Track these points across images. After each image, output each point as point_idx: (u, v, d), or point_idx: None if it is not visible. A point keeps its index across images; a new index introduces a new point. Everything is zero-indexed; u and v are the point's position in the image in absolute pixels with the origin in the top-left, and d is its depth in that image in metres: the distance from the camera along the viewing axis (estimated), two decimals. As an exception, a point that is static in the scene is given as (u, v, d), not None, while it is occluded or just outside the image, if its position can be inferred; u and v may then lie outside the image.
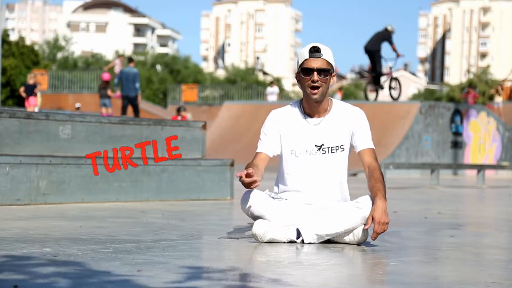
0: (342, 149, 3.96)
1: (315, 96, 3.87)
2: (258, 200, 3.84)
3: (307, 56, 3.87)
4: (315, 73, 3.84)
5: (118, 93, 21.64)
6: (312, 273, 3.02)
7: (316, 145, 3.93)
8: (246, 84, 49.19)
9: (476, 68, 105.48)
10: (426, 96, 76.91)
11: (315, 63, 3.85)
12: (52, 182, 6.13)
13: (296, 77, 3.96)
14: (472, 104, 25.38)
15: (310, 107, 3.94)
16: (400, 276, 3.00)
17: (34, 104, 22.30)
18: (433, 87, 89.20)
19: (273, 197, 3.97)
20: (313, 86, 3.86)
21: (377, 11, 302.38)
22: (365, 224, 3.83)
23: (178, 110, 23.33)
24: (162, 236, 4.10)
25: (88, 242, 3.69)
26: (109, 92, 22.47)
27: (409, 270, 3.19)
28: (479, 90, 55.15)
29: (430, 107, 19.68)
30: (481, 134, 21.04)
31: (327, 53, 3.88)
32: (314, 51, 3.86)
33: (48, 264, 2.96)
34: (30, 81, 22.77)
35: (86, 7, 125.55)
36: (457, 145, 20.20)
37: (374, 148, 4.00)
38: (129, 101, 19.93)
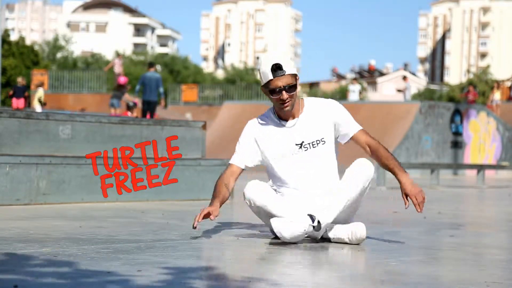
0: (324, 142, 3.98)
1: (287, 109, 3.92)
2: (260, 191, 3.91)
3: (271, 77, 3.86)
4: (284, 92, 3.86)
5: (137, 99, 21.62)
6: (312, 273, 3.03)
7: (296, 144, 3.96)
8: (246, 84, 49.18)
9: (476, 68, 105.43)
10: (426, 96, 76.92)
11: (281, 82, 3.86)
12: (52, 182, 6.13)
13: (262, 91, 3.98)
14: (472, 103, 25.39)
15: (283, 113, 3.98)
16: (400, 276, 2.99)
17: (22, 106, 22.40)
18: (433, 87, 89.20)
19: (275, 189, 4.03)
20: (283, 103, 3.89)
21: (377, 11, 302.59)
22: (405, 204, 3.91)
23: (128, 107, 23.14)
24: (162, 236, 4.10)
25: (88, 242, 3.69)
26: (127, 96, 22.48)
27: (409, 270, 3.19)
28: (479, 90, 55.17)
29: (430, 107, 19.69)
30: (481, 134, 21.04)
31: (289, 67, 3.89)
32: (277, 69, 3.85)
33: (48, 264, 2.96)
34: (23, 83, 23.05)
35: (86, 7, 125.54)
36: (457, 145, 20.20)
37: (362, 128, 4.07)
38: (149, 106, 19.84)
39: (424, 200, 3.86)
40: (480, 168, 13.49)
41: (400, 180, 3.92)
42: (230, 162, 4.05)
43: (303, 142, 3.96)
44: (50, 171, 6.13)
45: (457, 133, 20.20)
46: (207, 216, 3.84)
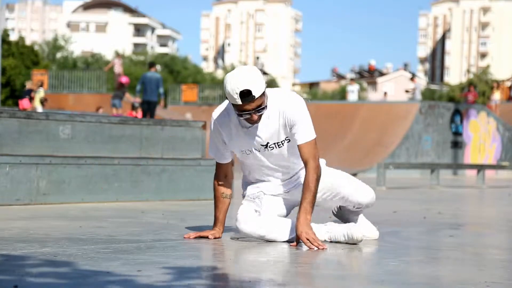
0: (288, 140, 3.90)
1: (256, 123, 3.79)
2: (254, 225, 3.89)
3: (239, 102, 3.66)
4: (254, 115, 3.72)
5: (138, 98, 21.64)
6: (312, 273, 3.03)
7: (262, 145, 3.90)
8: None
9: (476, 68, 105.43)
10: (426, 96, 76.89)
11: (251, 106, 3.68)
12: (52, 182, 6.13)
13: (229, 102, 3.83)
14: (472, 103, 25.39)
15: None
16: (400, 276, 2.99)
17: (27, 106, 22.56)
18: (433, 87, 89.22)
19: (254, 199, 4.00)
20: (253, 122, 3.77)
21: (377, 11, 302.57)
22: (293, 242, 3.81)
23: (133, 107, 23.16)
24: (162, 236, 4.10)
25: (88, 242, 3.69)
26: (127, 96, 22.48)
27: (409, 270, 3.19)
28: (479, 90, 55.16)
29: (430, 107, 19.69)
30: (481, 134, 21.03)
31: (257, 90, 3.65)
32: (246, 95, 3.63)
33: (48, 264, 2.96)
34: (28, 86, 23.31)
35: (86, 7, 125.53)
36: (457, 145, 20.20)
37: (314, 137, 3.86)
38: (149, 106, 19.81)
39: (315, 239, 3.67)
40: (480, 168, 13.49)
41: (297, 217, 3.74)
42: (218, 161, 4.00)
43: (268, 143, 3.89)
44: (50, 171, 6.13)
45: (457, 133, 20.20)
46: (205, 236, 3.94)
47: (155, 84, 19.72)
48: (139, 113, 22.32)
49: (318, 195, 3.91)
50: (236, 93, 3.64)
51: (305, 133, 3.83)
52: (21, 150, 6.26)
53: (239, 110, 3.72)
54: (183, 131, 7.56)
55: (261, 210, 3.94)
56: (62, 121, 6.62)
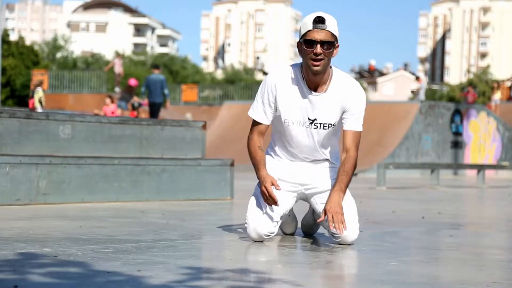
0: (333, 127, 3.89)
1: (317, 68, 3.73)
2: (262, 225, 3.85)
3: (310, 27, 3.69)
4: (318, 45, 3.70)
5: (146, 100, 21.85)
6: (312, 273, 3.02)
7: (309, 119, 3.86)
8: (246, 84, 49.17)
9: (476, 68, 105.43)
10: (427, 95, 76.88)
11: (319, 35, 3.69)
12: (52, 182, 6.13)
13: (297, 46, 3.81)
14: (472, 104, 25.40)
15: (310, 78, 3.80)
16: (400, 276, 2.99)
17: (30, 106, 22.75)
18: (434, 87, 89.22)
19: (271, 155, 4.00)
20: (315, 59, 3.72)
21: (377, 11, 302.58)
22: (317, 219, 3.83)
23: (134, 107, 23.17)
24: (162, 236, 4.10)
25: (88, 242, 3.69)
26: (135, 99, 22.62)
27: (409, 270, 3.19)
28: (479, 90, 55.12)
29: (430, 107, 19.69)
30: (481, 134, 21.03)
31: (331, 24, 3.71)
32: (319, 21, 3.68)
33: (48, 264, 2.96)
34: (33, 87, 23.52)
35: (86, 7, 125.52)
36: (457, 145, 20.20)
37: (361, 130, 3.88)
38: (154, 108, 19.91)
39: (342, 223, 3.67)
40: (480, 168, 13.49)
41: (330, 195, 3.76)
42: (257, 119, 3.90)
43: (316, 119, 3.85)
44: (50, 171, 6.13)
45: (457, 133, 20.20)
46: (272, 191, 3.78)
47: (159, 86, 19.96)
48: (142, 114, 22.35)
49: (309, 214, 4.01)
50: (311, 19, 3.70)
51: (357, 122, 3.86)
52: (21, 150, 6.26)
53: (307, 40, 3.71)
54: (183, 131, 7.57)
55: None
56: (62, 121, 6.62)
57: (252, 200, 3.90)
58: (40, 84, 24.79)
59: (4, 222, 4.66)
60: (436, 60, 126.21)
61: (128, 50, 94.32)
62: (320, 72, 3.75)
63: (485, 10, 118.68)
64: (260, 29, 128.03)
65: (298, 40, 3.82)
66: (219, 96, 40.60)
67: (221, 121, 22.16)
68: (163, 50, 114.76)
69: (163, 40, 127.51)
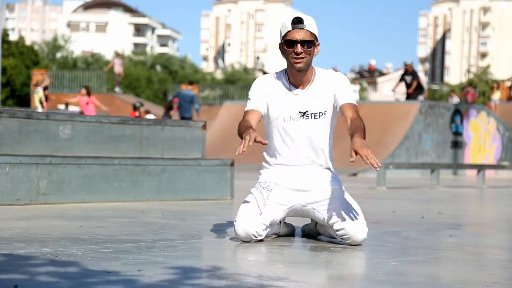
0: (325, 115, 3.94)
1: (299, 65, 3.85)
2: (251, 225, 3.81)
3: (290, 28, 3.83)
4: (299, 45, 3.83)
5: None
6: (312, 273, 3.02)
7: (300, 112, 3.93)
8: (246, 84, 49.15)
9: (476, 68, 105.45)
10: (427, 95, 76.95)
11: (298, 35, 3.83)
12: (52, 182, 6.13)
13: (279, 48, 3.94)
14: (471, 104, 25.39)
15: (294, 76, 3.92)
16: (400, 276, 2.99)
17: (44, 104, 22.92)
18: (434, 87, 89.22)
19: (263, 188, 3.93)
20: (296, 57, 3.85)
21: (377, 11, 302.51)
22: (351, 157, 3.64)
23: (135, 107, 23.21)
24: (162, 236, 4.10)
25: (88, 242, 3.69)
26: (172, 114, 23.11)
27: (409, 270, 3.19)
28: (479, 90, 55.14)
29: (430, 107, 19.68)
30: (481, 134, 21.03)
31: (310, 24, 3.85)
32: (297, 22, 3.83)
33: (48, 264, 2.96)
34: (44, 84, 23.63)
35: (86, 7, 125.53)
36: (457, 145, 20.19)
37: (356, 104, 3.94)
38: None
39: (373, 156, 3.54)
40: (480, 168, 13.49)
41: (353, 139, 3.64)
42: (249, 108, 3.98)
43: (307, 111, 3.92)
44: (50, 171, 6.13)
45: (457, 133, 20.19)
46: (253, 140, 3.59)
47: (189, 101, 21.09)
48: (143, 115, 22.40)
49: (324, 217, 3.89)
50: (289, 20, 3.85)
51: (349, 96, 3.93)
52: (21, 150, 6.26)
53: (287, 41, 3.84)
54: (183, 131, 7.57)
55: (264, 206, 3.88)
56: (62, 121, 6.62)
57: (244, 202, 3.91)
58: (39, 84, 24.78)
59: (4, 222, 4.66)
60: (436, 60, 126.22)
61: (128, 50, 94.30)
62: (303, 69, 3.88)
63: (485, 10, 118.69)
64: (260, 29, 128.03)
65: (279, 44, 3.94)
66: (219, 96, 40.59)
67: (221, 121, 22.15)
68: (163, 50, 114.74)
69: (163, 40, 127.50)
